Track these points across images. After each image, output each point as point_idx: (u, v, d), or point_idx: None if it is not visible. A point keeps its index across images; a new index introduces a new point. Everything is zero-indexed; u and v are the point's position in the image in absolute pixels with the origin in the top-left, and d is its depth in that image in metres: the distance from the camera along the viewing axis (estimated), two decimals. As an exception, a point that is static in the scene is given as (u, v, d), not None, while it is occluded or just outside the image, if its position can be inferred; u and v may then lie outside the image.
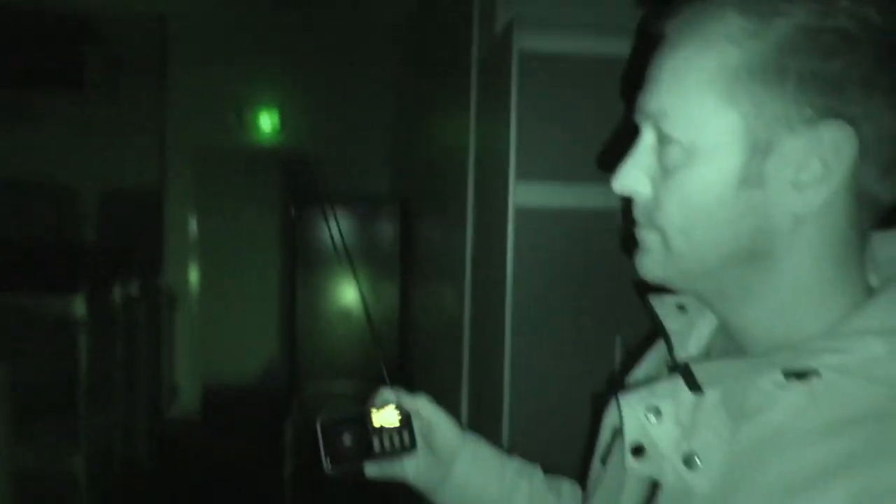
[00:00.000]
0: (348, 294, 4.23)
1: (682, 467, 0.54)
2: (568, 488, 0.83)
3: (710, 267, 0.55)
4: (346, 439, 0.74)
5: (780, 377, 0.51)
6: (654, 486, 0.58)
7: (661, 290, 0.62)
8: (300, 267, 4.17)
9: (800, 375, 0.50)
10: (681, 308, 0.64)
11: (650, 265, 0.58)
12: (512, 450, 0.91)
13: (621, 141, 0.61)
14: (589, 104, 1.46)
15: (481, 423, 1.67)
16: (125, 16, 4.63)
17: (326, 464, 0.73)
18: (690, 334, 0.63)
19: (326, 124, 4.76)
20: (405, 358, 3.84)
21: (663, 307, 0.64)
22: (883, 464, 0.46)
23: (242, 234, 4.99)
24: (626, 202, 0.60)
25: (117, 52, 4.69)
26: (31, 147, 4.53)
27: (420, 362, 3.32)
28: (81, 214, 4.93)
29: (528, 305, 1.43)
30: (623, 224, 0.56)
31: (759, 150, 0.51)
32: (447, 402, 2.20)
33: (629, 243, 0.60)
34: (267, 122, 4.82)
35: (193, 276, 5.00)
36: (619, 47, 1.33)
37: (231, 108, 4.76)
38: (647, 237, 0.57)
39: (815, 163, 0.50)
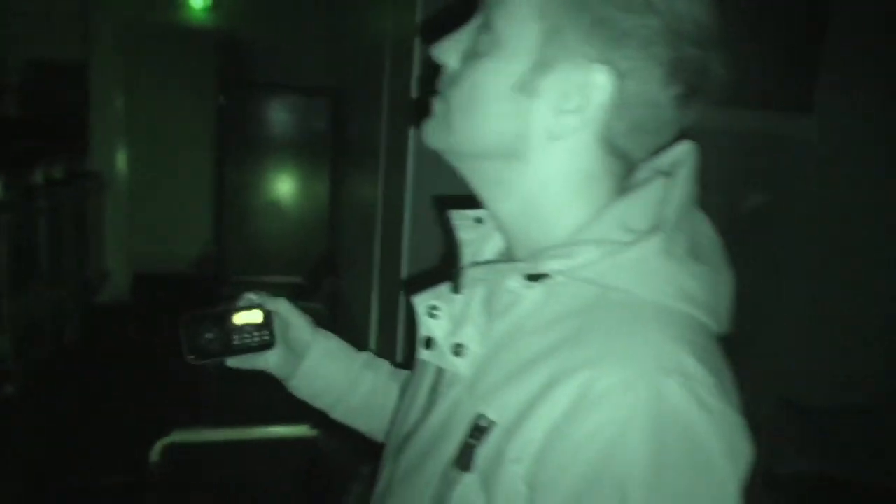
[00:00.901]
0: (279, 186, 4.20)
1: (451, 355, 0.64)
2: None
3: (475, 150, 0.63)
4: (208, 335, 0.83)
5: (522, 280, 0.60)
6: (440, 372, 0.68)
7: (464, 206, 0.70)
8: (230, 156, 4.10)
9: (537, 278, 0.60)
10: (478, 220, 0.72)
11: (431, 131, 0.65)
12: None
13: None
14: None
15: (385, 308, 1.74)
16: None
17: (187, 355, 0.82)
18: (486, 244, 0.71)
19: (260, 7, 4.56)
20: (334, 249, 3.88)
21: (461, 219, 0.72)
22: (580, 347, 0.56)
23: (174, 117, 4.84)
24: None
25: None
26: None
27: (345, 253, 3.37)
28: (1, 88, 4.69)
29: (426, 200, 1.47)
30: (422, 92, 0.62)
31: (540, 66, 0.58)
32: (361, 288, 2.28)
33: (423, 111, 0.65)
34: (199, 1, 4.59)
35: (122, 158, 4.86)
36: None
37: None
38: (438, 106, 0.64)
39: (578, 96, 0.58)
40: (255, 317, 0.84)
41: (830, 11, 2.24)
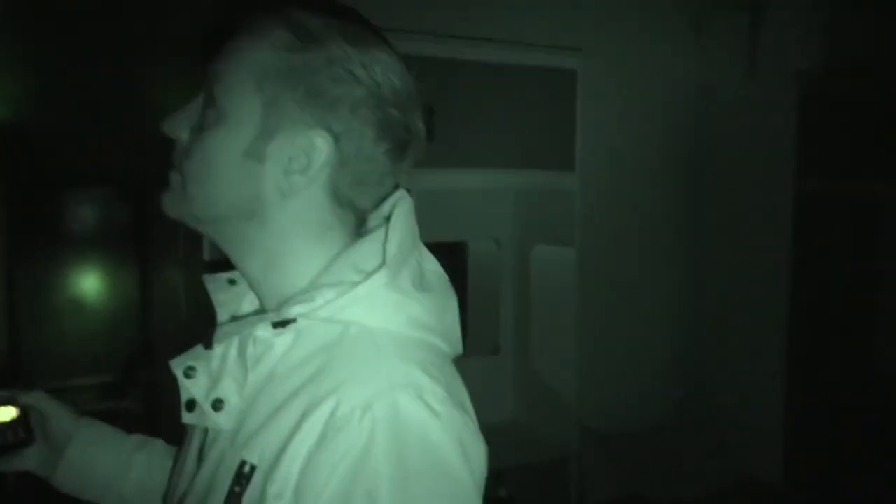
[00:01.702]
0: (83, 281, 3.97)
1: (211, 411, 0.68)
2: None
3: (215, 215, 0.70)
4: None
5: (269, 328, 0.66)
6: (206, 432, 0.73)
7: (223, 269, 0.76)
8: (22, 257, 3.82)
9: (284, 324, 0.66)
10: (231, 282, 0.78)
11: (169, 203, 0.72)
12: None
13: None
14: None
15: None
16: None
17: None
18: (241, 303, 0.78)
19: (49, 98, 4.36)
20: (150, 340, 3.71)
21: (215, 282, 0.79)
22: (325, 379, 0.63)
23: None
24: None
25: None
26: None
27: (161, 342, 3.24)
28: None
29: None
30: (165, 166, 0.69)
31: (266, 133, 0.67)
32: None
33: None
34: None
35: None
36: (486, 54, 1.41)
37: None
38: (173, 178, 0.72)
39: (303, 158, 0.67)
40: (7, 413, 0.81)
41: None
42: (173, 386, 0.80)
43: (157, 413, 2.98)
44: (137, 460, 0.90)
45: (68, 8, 4.25)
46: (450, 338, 0.71)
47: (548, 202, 2.65)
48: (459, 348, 0.74)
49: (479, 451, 0.64)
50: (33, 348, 3.82)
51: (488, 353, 2.85)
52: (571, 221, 2.60)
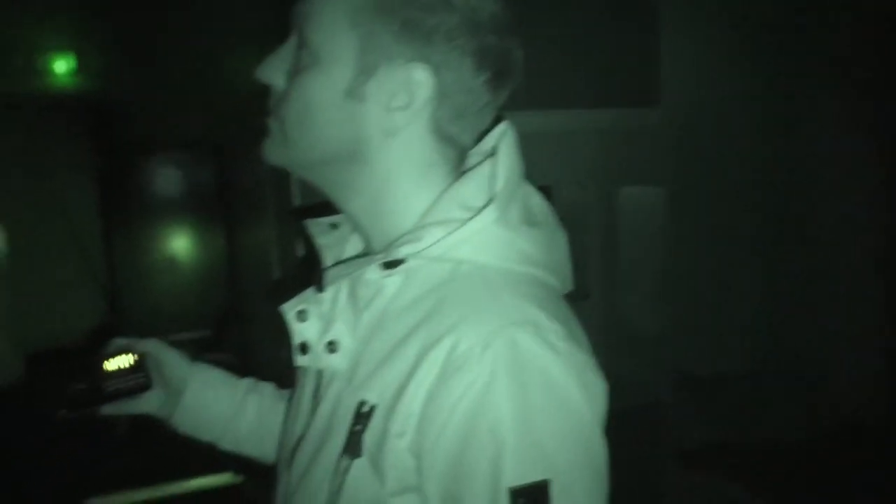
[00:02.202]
0: (173, 243, 4.13)
1: (325, 353, 0.68)
2: None
3: (317, 159, 0.67)
4: (77, 385, 0.81)
5: (379, 270, 0.65)
6: (320, 374, 0.71)
7: (318, 214, 0.74)
8: (117, 220, 4.00)
9: (394, 265, 0.64)
10: (333, 226, 0.76)
11: (270, 149, 0.69)
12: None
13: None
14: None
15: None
16: None
17: (56, 409, 0.80)
18: (345, 246, 0.76)
19: (130, 64, 4.49)
20: (239, 298, 3.84)
21: (316, 226, 0.76)
22: (440, 318, 0.61)
23: (49, 189, 4.65)
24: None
25: None
26: None
27: (251, 300, 3.35)
28: None
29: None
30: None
31: (364, 72, 0.64)
32: (271, 332, 2.28)
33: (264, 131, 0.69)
34: (62, 66, 4.47)
35: (0, 237, 4.63)
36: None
37: (19, 52, 4.36)
38: (272, 125, 0.68)
39: (404, 94, 0.64)
40: (125, 361, 0.83)
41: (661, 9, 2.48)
42: (265, 338, 0.80)
43: (252, 364, 3.09)
44: (250, 402, 0.92)
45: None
46: (561, 273, 0.69)
47: (633, 141, 2.58)
48: (570, 284, 0.71)
49: (600, 388, 0.62)
50: (131, 306, 4.02)
51: (578, 299, 2.83)
52: (659, 160, 2.53)
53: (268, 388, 0.94)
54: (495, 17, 0.65)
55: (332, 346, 0.67)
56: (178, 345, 0.90)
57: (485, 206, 0.65)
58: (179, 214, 4.05)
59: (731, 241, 2.96)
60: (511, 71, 0.68)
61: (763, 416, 2.79)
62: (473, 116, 0.68)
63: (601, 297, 2.86)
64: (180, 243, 4.09)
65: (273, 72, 0.67)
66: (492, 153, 0.69)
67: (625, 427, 2.63)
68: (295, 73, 0.66)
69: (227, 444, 0.92)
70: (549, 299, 0.65)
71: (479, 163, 0.69)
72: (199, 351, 0.91)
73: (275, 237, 1.97)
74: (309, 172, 0.69)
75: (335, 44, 0.63)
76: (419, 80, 0.63)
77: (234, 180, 3.67)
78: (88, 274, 4.56)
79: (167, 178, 4.03)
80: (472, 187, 0.67)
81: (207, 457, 0.98)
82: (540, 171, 2.78)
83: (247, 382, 0.94)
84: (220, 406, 0.90)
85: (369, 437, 0.62)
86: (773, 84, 2.88)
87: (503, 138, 0.70)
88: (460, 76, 0.64)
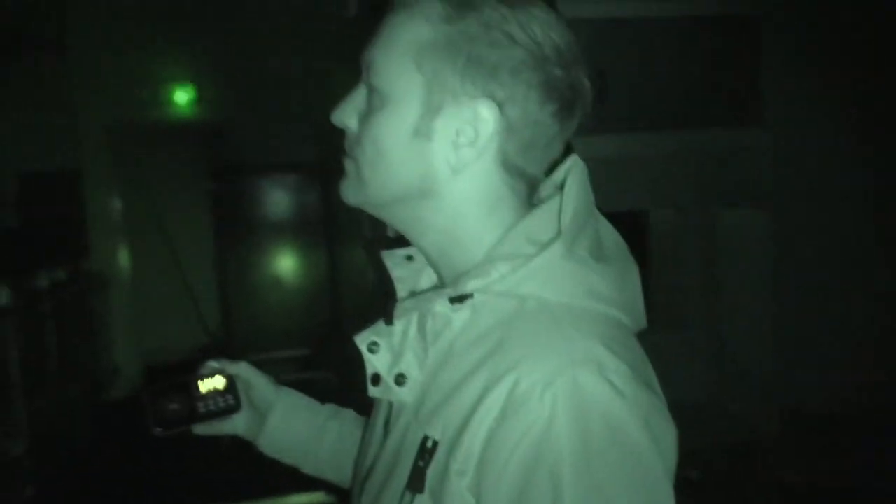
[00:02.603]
0: (279, 262, 4.30)
1: (394, 385, 0.69)
2: None
3: (390, 197, 0.69)
4: (172, 405, 0.85)
5: (447, 303, 0.66)
6: (391, 405, 0.73)
7: (393, 246, 0.76)
8: (228, 239, 4.21)
9: (461, 299, 0.65)
10: (408, 258, 0.77)
11: (347, 190, 0.72)
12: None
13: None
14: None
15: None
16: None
17: (152, 427, 0.84)
18: (420, 278, 0.77)
19: (243, 96, 4.75)
20: (340, 317, 3.94)
21: (392, 259, 0.77)
22: (504, 355, 0.61)
23: (170, 209, 4.97)
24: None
25: (21, 33, 4.57)
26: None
27: (355, 321, 3.43)
28: (1, 201, 4.84)
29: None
30: (324, 154, 0.70)
31: (431, 110, 0.65)
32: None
33: (329, 172, 0.72)
34: (182, 96, 4.79)
35: (123, 255, 4.98)
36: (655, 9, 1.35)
37: (145, 84, 4.71)
38: (348, 166, 0.71)
39: (469, 130, 0.65)
40: (217, 383, 0.86)
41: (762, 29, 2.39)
42: (361, 359, 0.82)
43: (350, 384, 3.16)
44: (331, 428, 0.94)
45: (259, 16, 4.61)
46: (632, 310, 0.67)
47: (735, 162, 2.48)
48: (643, 322, 0.69)
49: (668, 432, 0.61)
50: (239, 323, 4.22)
51: (673, 328, 2.74)
52: (761, 182, 2.41)
53: (349, 415, 0.96)
54: (560, 50, 0.65)
55: (400, 379, 0.68)
56: (280, 362, 0.93)
57: (552, 241, 0.64)
58: (285, 235, 4.22)
59: (842, 267, 2.78)
60: (579, 101, 0.68)
61: (876, 461, 2.59)
62: (542, 148, 0.68)
63: (699, 326, 2.76)
64: (286, 263, 4.26)
65: (346, 115, 0.70)
66: (561, 186, 0.69)
67: (728, 463, 2.51)
68: (366, 115, 0.68)
69: (308, 468, 0.94)
70: (617, 338, 0.63)
71: (550, 196, 0.70)
72: (300, 369, 0.94)
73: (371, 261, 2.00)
74: (383, 210, 0.71)
75: (402, 85, 0.66)
76: (484, 116, 0.64)
77: (339, 203, 3.80)
78: (188, 294, 4.82)
79: (275, 201, 4.22)
80: (540, 221, 0.67)
81: (303, 475, 0.99)
82: (635, 195, 2.72)
83: (328, 408, 0.96)
84: (301, 430, 0.92)
85: (432, 474, 0.63)
86: (877, 102, 2.71)
87: (572, 171, 0.69)
88: (526, 110, 0.65)
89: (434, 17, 0.65)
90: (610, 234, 0.71)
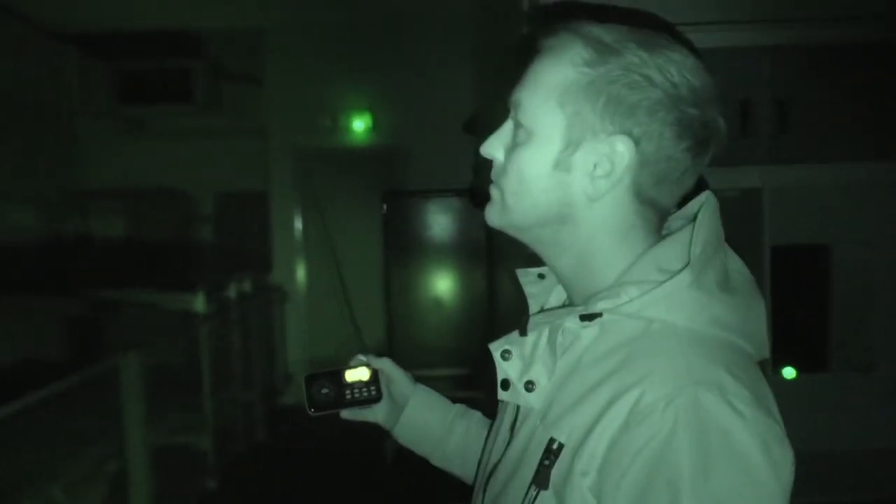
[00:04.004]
0: (440, 283, 4.44)
1: (524, 391, 0.74)
2: None
3: (531, 222, 0.76)
4: (325, 391, 0.94)
5: (578, 321, 0.71)
6: (518, 409, 0.78)
7: (529, 265, 0.84)
8: (393, 259, 4.40)
9: (591, 318, 0.70)
10: (540, 276, 0.85)
11: (492, 214, 0.78)
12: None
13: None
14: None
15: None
16: (227, 31, 5.03)
17: (308, 408, 0.94)
18: (550, 295, 0.84)
19: (413, 122, 4.98)
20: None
21: (526, 276, 0.86)
22: (629, 371, 0.66)
23: (344, 229, 5.32)
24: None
25: (220, 65, 5.10)
26: (152, 157, 5.02)
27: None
28: (198, 218, 5.40)
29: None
30: (477, 181, 0.77)
31: (571, 145, 0.72)
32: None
33: (481, 198, 0.79)
34: (360, 123, 5.10)
35: (300, 271, 5.37)
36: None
37: (326, 112, 5.08)
38: (494, 193, 0.78)
39: (606, 163, 0.71)
40: (363, 374, 0.95)
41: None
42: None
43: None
44: (459, 425, 1.00)
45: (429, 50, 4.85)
46: (755, 340, 0.71)
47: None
48: (766, 352, 0.73)
49: (786, 457, 0.63)
50: (402, 340, 4.39)
51: (858, 371, 2.52)
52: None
53: (476, 415, 1.03)
54: (695, 90, 0.69)
55: (529, 386, 0.74)
56: (437, 380, 1.00)
57: (681, 270, 0.69)
58: (447, 257, 4.36)
59: None
60: (712, 138, 0.72)
61: None
62: (674, 182, 0.72)
63: (888, 369, 2.52)
64: (446, 283, 4.39)
65: (494, 148, 0.77)
66: (693, 219, 0.73)
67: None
68: (512, 148, 0.75)
69: (437, 459, 1.02)
70: (738, 364, 0.67)
71: (681, 227, 0.74)
72: (457, 387, 1.00)
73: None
74: (524, 234, 0.77)
75: (546, 123, 0.72)
76: (620, 150, 0.70)
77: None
78: (348, 309, 5.08)
79: (439, 223, 4.37)
80: (671, 251, 0.72)
81: (459, 487, 1.04)
82: (817, 228, 2.53)
83: (458, 407, 1.03)
84: (433, 424, 1.00)
85: (556, 473, 0.68)
86: None
87: (705, 205, 0.74)
88: (661, 146, 0.70)
89: (578, 61, 0.71)
90: (737, 267, 0.74)
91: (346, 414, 0.97)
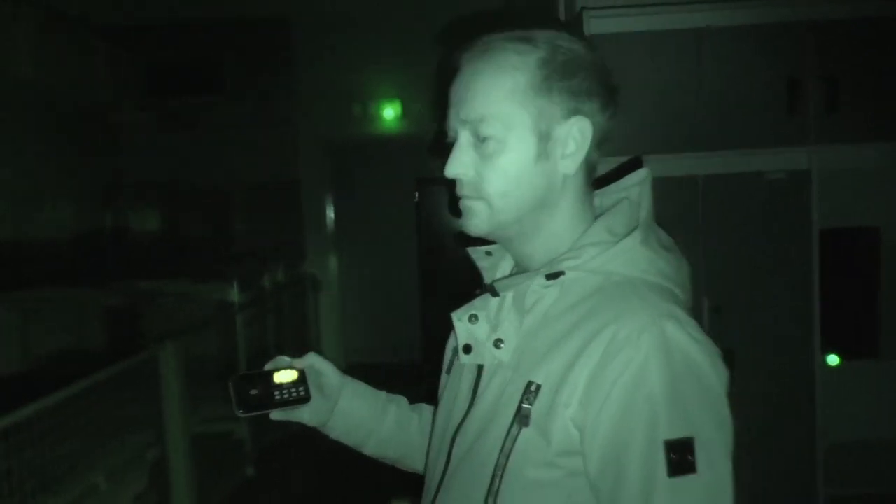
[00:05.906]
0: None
1: (493, 349, 0.84)
2: (426, 407, 1.09)
3: (520, 215, 0.84)
4: (254, 392, 0.94)
5: (543, 280, 0.82)
6: (479, 370, 0.87)
7: (474, 244, 0.92)
8: (428, 246, 4.39)
9: (556, 276, 0.82)
10: (488, 253, 0.95)
11: (477, 223, 0.85)
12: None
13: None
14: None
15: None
16: (258, 22, 5.04)
17: (236, 409, 0.93)
18: (496, 269, 0.95)
19: (440, 110, 4.94)
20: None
21: (476, 253, 0.95)
22: (600, 315, 0.78)
23: (375, 219, 5.33)
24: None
25: (252, 57, 5.12)
26: (186, 149, 5.06)
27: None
28: (231, 208, 5.44)
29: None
30: (451, 196, 0.84)
31: (543, 137, 0.82)
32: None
33: (457, 210, 0.86)
34: (390, 112, 5.09)
35: (333, 260, 5.39)
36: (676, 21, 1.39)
37: (357, 101, 5.07)
38: (475, 205, 0.84)
39: (571, 142, 0.82)
40: (291, 375, 0.96)
41: None
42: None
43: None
44: (390, 409, 1.06)
45: (457, 39, 4.80)
46: (686, 289, 0.86)
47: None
48: (690, 299, 0.88)
49: (724, 369, 0.78)
50: (437, 325, 4.39)
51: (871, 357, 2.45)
52: None
53: (403, 400, 1.09)
54: (603, 63, 0.83)
55: (499, 343, 0.83)
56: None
57: (630, 232, 0.83)
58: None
59: None
60: (617, 101, 0.84)
61: None
62: (600, 147, 0.85)
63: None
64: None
65: (462, 167, 0.84)
66: (629, 191, 0.88)
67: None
68: (484, 161, 0.82)
69: (370, 447, 1.06)
70: (680, 305, 0.81)
71: (621, 199, 0.87)
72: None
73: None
74: (509, 228, 0.85)
75: (515, 125, 0.81)
76: (582, 127, 0.82)
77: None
78: (404, 294, 5.07)
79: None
80: (618, 218, 0.85)
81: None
82: (868, 210, 2.45)
83: (385, 393, 1.07)
84: (365, 412, 1.04)
85: (536, 410, 0.78)
86: None
87: (645, 179, 0.89)
88: (599, 116, 0.83)
89: (519, 64, 0.81)
90: (664, 235, 0.88)
91: (275, 415, 0.97)
